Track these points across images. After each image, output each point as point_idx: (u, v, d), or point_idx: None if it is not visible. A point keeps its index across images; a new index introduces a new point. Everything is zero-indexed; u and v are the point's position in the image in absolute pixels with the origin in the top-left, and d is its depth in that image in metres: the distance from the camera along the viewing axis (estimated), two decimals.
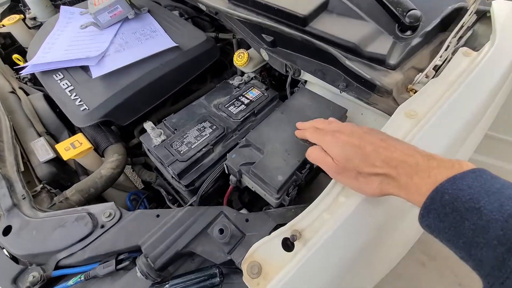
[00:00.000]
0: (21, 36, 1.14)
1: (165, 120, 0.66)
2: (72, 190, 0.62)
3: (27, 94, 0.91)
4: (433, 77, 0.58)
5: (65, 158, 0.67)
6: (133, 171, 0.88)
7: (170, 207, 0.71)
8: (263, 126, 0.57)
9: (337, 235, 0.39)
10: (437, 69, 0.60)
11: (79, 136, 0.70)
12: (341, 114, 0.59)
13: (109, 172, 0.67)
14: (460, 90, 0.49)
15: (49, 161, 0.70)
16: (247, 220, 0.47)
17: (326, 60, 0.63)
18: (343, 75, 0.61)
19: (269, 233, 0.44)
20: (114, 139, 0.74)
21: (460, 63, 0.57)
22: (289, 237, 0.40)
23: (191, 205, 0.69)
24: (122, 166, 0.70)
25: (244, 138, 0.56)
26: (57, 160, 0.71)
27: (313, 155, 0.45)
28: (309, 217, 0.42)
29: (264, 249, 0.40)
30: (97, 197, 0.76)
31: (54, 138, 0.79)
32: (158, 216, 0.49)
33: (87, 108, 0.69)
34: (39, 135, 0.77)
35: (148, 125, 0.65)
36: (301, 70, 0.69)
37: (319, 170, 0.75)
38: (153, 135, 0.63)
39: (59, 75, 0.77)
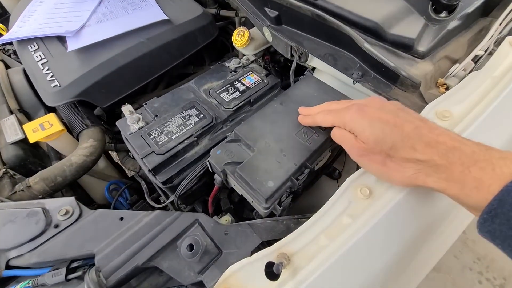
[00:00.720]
0: (8, 2, 1.04)
1: (146, 104, 0.57)
2: (36, 178, 0.54)
3: (8, 67, 0.83)
4: (471, 71, 0.47)
5: (31, 141, 0.59)
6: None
7: (157, 203, 0.63)
8: (257, 118, 0.47)
9: (337, 267, 0.30)
10: (476, 60, 0.49)
11: (51, 117, 0.62)
12: None
13: (81, 160, 0.59)
14: (510, 88, 0.38)
15: (17, 143, 0.62)
16: (226, 233, 0.38)
17: (339, 42, 0.52)
18: (358, 61, 0.50)
19: (251, 253, 0.35)
20: (92, 122, 0.66)
21: (508, 55, 0.46)
22: (274, 262, 0.31)
23: (171, 203, 0.61)
24: (98, 154, 0.62)
25: (233, 131, 0.46)
26: (27, 142, 0.63)
27: (337, 134, 0.38)
28: (302, 239, 0.33)
29: (243, 274, 0.32)
30: (70, 185, 0.68)
31: (28, 117, 0.71)
32: (122, 219, 0.41)
33: (59, 85, 0.61)
34: (11, 113, 0.69)
35: (126, 108, 0.56)
36: (309, 54, 0.58)
37: (321, 172, 0.66)
38: (129, 120, 0.54)
39: (34, 46, 0.68)
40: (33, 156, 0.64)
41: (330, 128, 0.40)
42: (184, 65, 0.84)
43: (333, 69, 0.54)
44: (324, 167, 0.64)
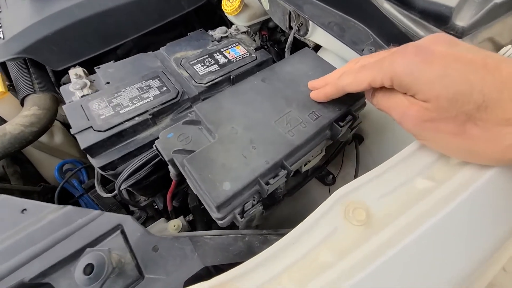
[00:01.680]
0: None
1: (99, 67, 0.46)
2: None
3: None
4: None
5: None
6: None
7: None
8: (227, 95, 0.36)
9: None
10: None
11: None
12: (358, 98, 0.36)
13: (17, 130, 0.47)
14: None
15: None
16: (156, 249, 0.27)
17: (349, 8, 0.39)
18: (372, 34, 0.38)
19: (184, 284, 0.24)
20: (43, 87, 0.54)
21: None
22: None
23: (114, 198, 0.50)
24: (42, 125, 0.51)
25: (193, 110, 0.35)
26: None
27: (380, 98, 0.27)
28: (257, 275, 0.22)
29: None
30: (14, 159, 0.58)
31: None
32: (24, 211, 0.30)
33: (1, 38, 0.49)
34: None
35: (73, 72, 0.45)
36: (310, 25, 0.46)
37: (311, 174, 0.54)
38: (72, 86, 0.42)
39: None
40: None
41: (326, 119, 0.28)
42: (171, 38, 0.72)
43: (340, 47, 0.42)
44: (315, 169, 0.53)
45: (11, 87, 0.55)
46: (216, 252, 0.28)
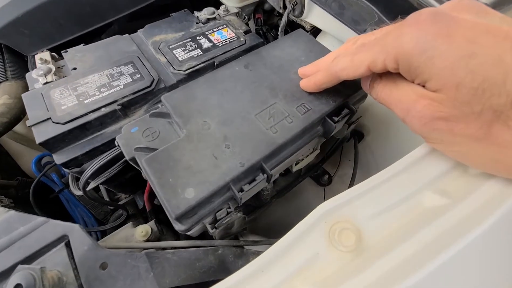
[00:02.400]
0: None
1: (67, 51, 0.41)
2: None
3: None
4: None
5: None
6: None
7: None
8: (202, 83, 0.30)
9: None
10: None
11: None
12: (358, 88, 0.30)
13: None
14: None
15: None
16: (104, 267, 0.22)
17: None
18: (377, 12, 0.32)
19: None
20: (16, 74, 0.50)
21: None
22: None
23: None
24: (13, 115, 0.47)
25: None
26: None
27: (378, 87, 0.22)
28: None
29: None
30: None
31: None
32: None
33: None
34: None
35: (39, 56, 0.40)
36: (305, 4, 0.40)
37: (305, 173, 0.48)
38: (35, 72, 0.38)
39: None
40: None
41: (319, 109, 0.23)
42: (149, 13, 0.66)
43: (340, 28, 0.36)
44: (309, 168, 0.47)
45: None
46: (178, 270, 0.24)
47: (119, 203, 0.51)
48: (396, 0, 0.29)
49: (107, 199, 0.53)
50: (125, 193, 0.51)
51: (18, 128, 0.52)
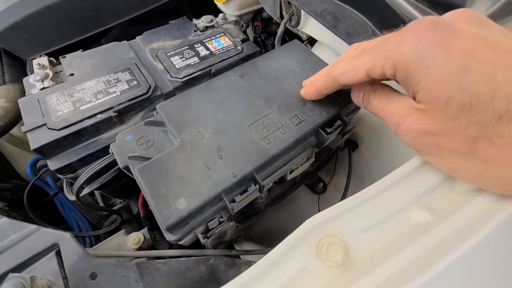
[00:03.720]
0: None
1: (64, 57, 0.41)
2: None
3: None
4: None
5: None
6: None
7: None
8: (197, 93, 0.31)
9: None
10: None
11: None
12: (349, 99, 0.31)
13: None
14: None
15: None
16: (93, 277, 0.22)
17: None
18: (370, 26, 0.32)
19: None
20: (14, 78, 0.50)
21: None
22: None
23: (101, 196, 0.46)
24: (9, 119, 0.47)
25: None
26: None
27: (371, 99, 0.22)
28: None
29: None
30: None
31: None
32: None
33: None
34: None
35: (37, 61, 0.41)
36: (302, 16, 0.40)
37: (300, 181, 0.48)
38: (32, 77, 0.38)
39: None
40: None
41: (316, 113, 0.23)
42: (150, 19, 0.67)
43: (335, 40, 0.36)
44: (304, 176, 0.48)
45: None
46: (168, 280, 0.24)
47: (113, 208, 0.51)
48: (389, 16, 0.29)
49: (102, 204, 0.53)
50: (120, 198, 0.51)
51: (15, 131, 0.52)
